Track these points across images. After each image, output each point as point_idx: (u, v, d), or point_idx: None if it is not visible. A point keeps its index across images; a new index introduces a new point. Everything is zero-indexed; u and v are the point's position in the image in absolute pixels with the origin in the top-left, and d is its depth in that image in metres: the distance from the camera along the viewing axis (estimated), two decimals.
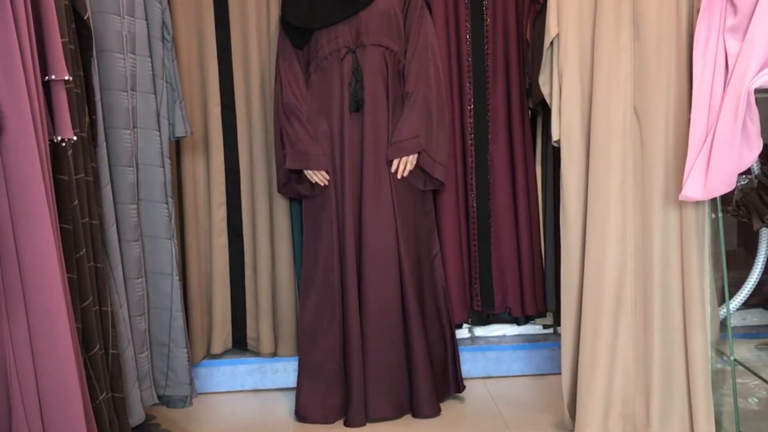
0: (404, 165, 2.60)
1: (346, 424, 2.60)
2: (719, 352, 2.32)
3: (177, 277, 2.53)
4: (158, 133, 2.45)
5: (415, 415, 2.62)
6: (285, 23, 2.63)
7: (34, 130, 1.70)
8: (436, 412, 2.64)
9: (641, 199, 2.29)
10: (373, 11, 2.58)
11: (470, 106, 2.89)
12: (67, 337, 1.73)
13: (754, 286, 2.65)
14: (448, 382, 2.75)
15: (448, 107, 2.82)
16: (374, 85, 2.59)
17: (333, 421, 2.62)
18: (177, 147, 2.88)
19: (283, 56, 2.67)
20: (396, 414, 2.62)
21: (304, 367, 2.68)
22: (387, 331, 2.60)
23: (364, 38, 2.59)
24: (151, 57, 2.42)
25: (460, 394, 2.78)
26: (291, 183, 2.71)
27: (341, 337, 2.62)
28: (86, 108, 2.11)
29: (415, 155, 2.60)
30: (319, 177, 2.62)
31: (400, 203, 2.61)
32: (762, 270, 2.62)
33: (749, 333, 2.92)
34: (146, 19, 2.40)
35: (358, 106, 2.58)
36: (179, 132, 2.56)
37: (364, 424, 2.59)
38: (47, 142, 1.80)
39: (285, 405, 2.79)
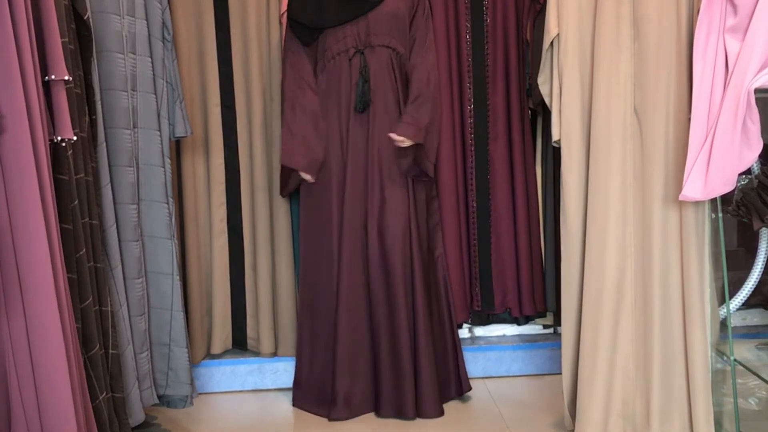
0: (400, 143, 2.58)
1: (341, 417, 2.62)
2: (719, 352, 2.32)
3: (177, 277, 2.53)
4: (158, 133, 2.45)
5: (420, 416, 2.61)
6: (292, 21, 2.61)
7: (34, 130, 1.70)
8: (440, 412, 2.63)
9: (641, 199, 2.29)
10: (382, 12, 2.58)
11: (470, 106, 2.88)
12: (59, 337, 1.72)
13: (754, 286, 2.64)
14: (452, 383, 2.74)
15: (448, 107, 2.82)
16: (381, 86, 2.59)
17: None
18: (177, 147, 2.88)
19: (291, 52, 2.64)
20: (399, 414, 2.61)
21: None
22: (397, 330, 2.60)
23: (373, 39, 2.58)
24: (151, 57, 2.43)
25: (462, 394, 2.77)
26: (293, 176, 2.71)
27: (354, 336, 2.63)
28: (86, 108, 2.12)
29: (411, 144, 2.59)
30: (306, 177, 2.65)
31: (415, 204, 2.62)
32: (762, 270, 2.61)
33: (749, 333, 2.92)
34: (146, 19, 2.41)
35: (365, 106, 2.57)
36: (179, 132, 2.56)
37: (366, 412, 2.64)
38: (47, 142, 1.80)
39: (285, 405, 2.79)
